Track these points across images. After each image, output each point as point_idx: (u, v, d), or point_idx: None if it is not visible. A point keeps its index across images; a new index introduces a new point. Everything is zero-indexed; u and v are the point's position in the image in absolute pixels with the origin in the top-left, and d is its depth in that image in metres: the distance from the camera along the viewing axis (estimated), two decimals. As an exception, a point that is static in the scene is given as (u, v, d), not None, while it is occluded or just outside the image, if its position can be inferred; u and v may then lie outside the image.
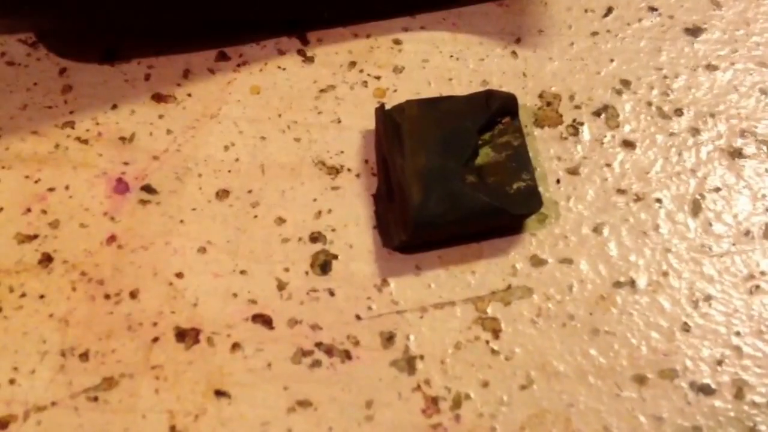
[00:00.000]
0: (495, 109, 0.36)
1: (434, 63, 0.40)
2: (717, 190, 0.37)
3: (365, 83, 0.39)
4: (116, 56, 0.40)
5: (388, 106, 0.37)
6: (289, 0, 0.39)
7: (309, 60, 0.40)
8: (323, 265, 0.35)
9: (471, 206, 0.34)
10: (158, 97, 0.39)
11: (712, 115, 0.39)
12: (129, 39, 0.40)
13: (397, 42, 0.40)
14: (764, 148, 0.38)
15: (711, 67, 0.40)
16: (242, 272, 0.35)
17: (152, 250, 0.35)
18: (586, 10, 0.41)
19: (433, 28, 0.41)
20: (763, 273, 0.35)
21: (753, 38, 0.41)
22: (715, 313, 0.34)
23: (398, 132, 0.35)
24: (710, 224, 0.36)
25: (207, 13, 0.38)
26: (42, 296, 0.34)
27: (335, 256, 0.35)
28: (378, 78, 0.39)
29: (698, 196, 0.37)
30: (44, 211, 0.36)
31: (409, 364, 0.33)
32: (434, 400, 0.33)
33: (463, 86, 0.39)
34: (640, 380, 0.33)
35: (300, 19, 0.40)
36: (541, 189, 0.36)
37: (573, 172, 0.37)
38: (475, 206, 0.34)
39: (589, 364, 0.33)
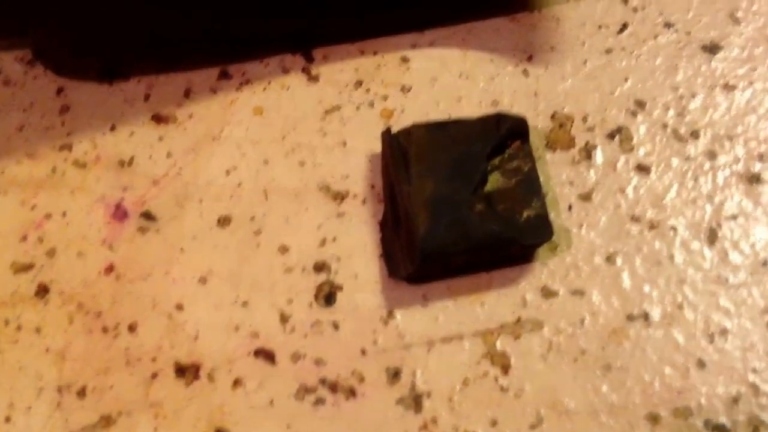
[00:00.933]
0: (504, 133, 0.35)
1: (443, 82, 0.38)
2: (734, 217, 0.36)
3: (372, 103, 0.38)
4: (115, 74, 0.38)
5: (395, 128, 0.35)
6: (294, 16, 0.38)
7: (314, 78, 0.38)
8: (328, 296, 0.34)
9: (480, 236, 0.33)
10: (158, 118, 0.37)
11: (730, 138, 0.37)
12: (128, 56, 0.39)
13: (404, 60, 0.39)
14: (783, 173, 0.37)
15: (729, 87, 0.38)
16: (244, 304, 0.34)
17: (151, 280, 0.34)
18: (600, 26, 0.40)
19: (442, 45, 0.39)
20: (781, 306, 0.34)
21: (773, 56, 0.39)
22: (731, 348, 0.33)
23: (405, 157, 0.34)
24: (727, 254, 0.35)
25: (208, 30, 0.37)
26: (38, 329, 0.33)
27: (340, 287, 0.34)
28: (385, 98, 0.38)
29: (714, 224, 0.36)
30: (41, 239, 0.35)
31: (415, 401, 0.32)
32: (441, 439, 0.32)
33: (472, 106, 0.38)
34: (654, 419, 0.32)
35: (305, 36, 0.39)
36: (552, 215, 0.35)
37: (585, 198, 0.36)
38: (483, 236, 0.33)
39: (601, 401, 0.32)
